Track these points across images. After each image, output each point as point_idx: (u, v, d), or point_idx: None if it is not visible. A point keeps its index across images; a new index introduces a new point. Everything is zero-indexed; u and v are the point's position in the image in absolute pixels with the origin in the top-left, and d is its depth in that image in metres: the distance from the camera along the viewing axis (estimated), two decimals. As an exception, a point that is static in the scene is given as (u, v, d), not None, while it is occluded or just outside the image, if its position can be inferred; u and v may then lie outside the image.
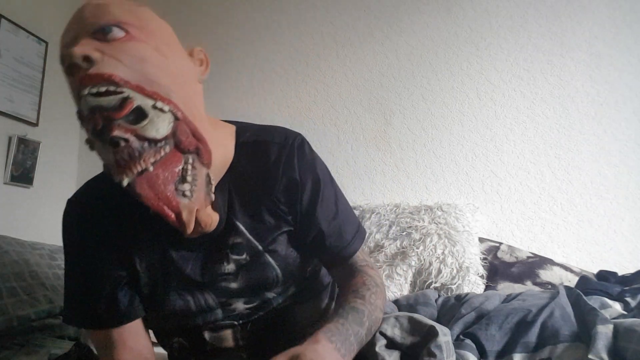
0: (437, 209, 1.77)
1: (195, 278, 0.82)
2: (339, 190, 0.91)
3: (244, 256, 0.82)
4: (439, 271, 1.61)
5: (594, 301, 1.08)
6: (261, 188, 0.82)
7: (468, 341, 0.92)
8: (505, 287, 1.56)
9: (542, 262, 1.66)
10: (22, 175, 2.05)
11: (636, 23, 1.80)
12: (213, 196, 0.74)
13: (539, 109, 1.88)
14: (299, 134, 0.88)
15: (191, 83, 0.75)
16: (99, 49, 0.66)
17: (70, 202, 0.85)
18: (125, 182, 0.66)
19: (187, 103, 0.70)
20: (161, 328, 0.92)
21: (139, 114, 0.66)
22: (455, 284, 1.58)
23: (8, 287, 1.37)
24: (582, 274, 1.56)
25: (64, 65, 0.69)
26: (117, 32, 0.68)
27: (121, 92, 0.65)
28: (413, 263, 1.65)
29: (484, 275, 1.64)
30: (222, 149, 0.81)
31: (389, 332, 0.85)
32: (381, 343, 0.84)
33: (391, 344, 0.85)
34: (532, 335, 0.93)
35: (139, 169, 0.66)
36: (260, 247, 0.82)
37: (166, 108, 0.67)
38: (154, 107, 0.66)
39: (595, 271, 1.56)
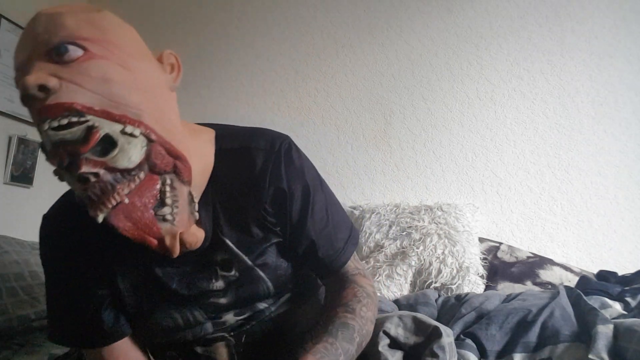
0: (437, 209, 1.77)
1: (182, 293, 0.77)
2: (328, 193, 0.86)
3: (232, 273, 0.78)
4: (439, 271, 1.61)
5: (594, 301, 1.08)
6: (247, 200, 0.76)
7: (469, 341, 0.92)
8: (505, 287, 1.56)
9: (542, 262, 1.66)
10: (22, 175, 2.05)
11: (636, 23, 1.80)
12: (197, 215, 0.69)
13: (539, 109, 1.88)
14: (286, 137, 0.80)
15: (162, 94, 0.68)
16: (55, 74, 0.59)
17: (46, 217, 0.80)
18: (100, 219, 0.61)
19: (160, 119, 0.64)
20: (151, 343, 0.87)
21: (108, 143, 0.60)
22: (455, 283, 1.58)
23: (8, 287, 1.37)
24: (582, 274, 1.56)
25: (19, 91, 0.60)
26: (74, 52, 0.60)
27: (85, 121, 0.58)
28: (413, 263, 1.65)
29: (484, 275, 1.65)
30: (202, 160, 0.74)
31: (392, 332, 0.85)
32: (384, 342, 0.83)
33: (394, 344, 0.85)
34: (533, 335, 0.93)
35: (114, 203, 0.61)
36: (249, 262, 0.78)
37: (137, 132, 0.61)
38: (124, 132, 0.60)
39: (595, 271, 1.56)
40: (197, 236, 0.71)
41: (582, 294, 1.07)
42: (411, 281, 1.66)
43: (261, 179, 0.76)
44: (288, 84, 2.20)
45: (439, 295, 1.42)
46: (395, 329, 0.85)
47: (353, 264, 0.86)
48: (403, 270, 1.65)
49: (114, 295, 0.78)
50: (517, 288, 1.52)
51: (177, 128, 0.68)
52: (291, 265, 0.82)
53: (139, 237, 0.64)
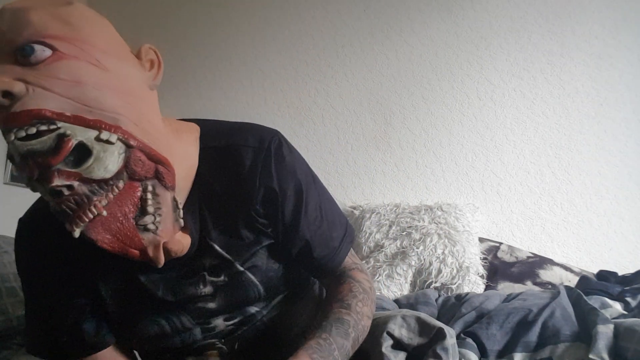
0: (437, 209, 1.77)
1: (168, 300, 0.73)
2: (321, 189, 0.81)
3: (221, 278, 0.73)
4: (439, 271, 1.62)
5: (594, 301, 1.08)
6: (236, 201, 0.71)
7: (469, 340, 0.92)
8: (506, 287, 1.56)
9: (542, 262, 1.66)
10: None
11: (636, 23, 1.80)
12: (182, 222, 0.65)
13: (539, 109, 1.88)
14: (275, 133, 0.75)
15: (141, 94, 0.62)
16: (21, 78, 0.53)
17: (22, 222, 0.75)
18: (76, 234, 0.57)
19: (139, 121, 0.59)
20: (141, 349, 0.83)
21: (82, 152, 0.55)
22: (455, 283, 1.58)
23: (8, 287, 1.37)
24: (582, 274, 1.56)
25: None
26: (41, 52, 0.55)
27: (56, 129, 0.54)
28: (413, 263, 1.65)
29: (484, 275, 1.65)
30: (186, 160, 0.69)
31: (396, 333, 0.83)
32: (387, 344, 0.82)
33: (397, 345, 0.84)
34: (533, 334, 0.93)
35: (90, 216, 0.57)
36: (238, 266, 0.73)
37: (114, 138, 0.56)
38: (99, 139, 0.55)
39: (595, 271, 1.56)
40: (182, 243, 0.66)
41: (582, 293, 1.07)
42: (411, 281, 1.66)
43: (250, 179, 0.71)
44: (288, 84, 2.20)
45: (439, 295, 1.42)
46: (399, 330, 0.83)
47: (350, 259, 0.83)
48: (403, 270, 1.65)
49: (96, 303, 0.74)
50: (517, 288, 1.53)
51: (158, 130, 0.63)
52: (283, 266, 0.78)
53: (120, 249, 0.60)
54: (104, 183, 0.57)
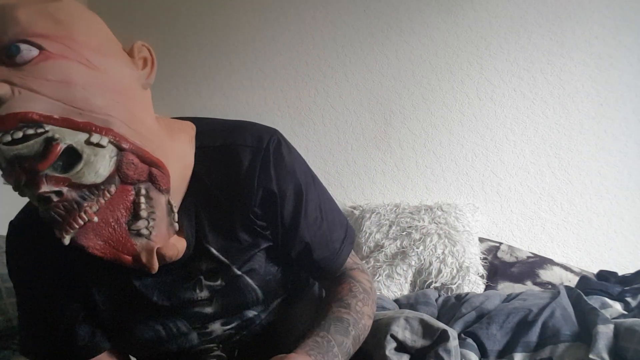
0: (437, 209, 1.77)
1: (163, 305, 0.71)
2: (321, 189, 0.79)
3: (218, 282, 0.71)
4: (439, 271, 1.62)
5: (594, 301, 1.08)
6: (233, 202, 0.69)
7: (470, 340, 0.92)
8: (506, 287, 1.56)
9: (542, 262, 1.66)
10: (22, 175, 2.04)
11: (636, 23, 1.80)
12: (177, 226, 0.63)
13: (539, 109, 1.88)
14: (274, 132, 0.73)
15: (134, 94, 0.60)
16: (6, 79, 0.51)
17: (12, 225, 0.72)
18: (66, 241, 0.55)
19: (131, 123, 0.57)
20: (136, 355, 0.81)
21: (71, 156, 0.53)
22: (455, 283, 1.58)
23: (8, 287, 1.37)
24: (582, 274, 1.56)
25: None
26: (28, 52, 0.52)
27: (43, 132, 0.51)
28: (413, 263, 1.65)
29: (484, 275, 1.65)
30: (181, 161, 0.66)
31: (399, 335, 0.83)
32: (391, 346, 0.81)
33: (401, 347, 0.83)
34: (533, 334, 0.93)
35: (81, 222, 0.55)
36: (236, 270, 0.71)
37: (105, 141, 0.54)
38: (89, 142, 0.53)
39: (595, 271, 1.56)
40: (177, 248, 0.64)
41: (582, 294, 1.07)
42: (411, 281, 1.66)
43: (249, 180, 0.68)
44: (288, 84, 2.20)
45: (439, 295, 1.42)
46: (403, 332, 0.83)
47: (351, 259, 0.81)
48: (403, 270, 1.65)
49: (89, 308, 0.72)
50: (517, 288, 1.53)
51: (151, 130, 0.60)
52: (281, 269, 0.76)
53: (112, 256, 0.58)
54: (94, 188, 0.55)
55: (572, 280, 1.52)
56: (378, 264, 1.68)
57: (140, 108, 0.60)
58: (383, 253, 1.70)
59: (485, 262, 1.69)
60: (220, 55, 2.26)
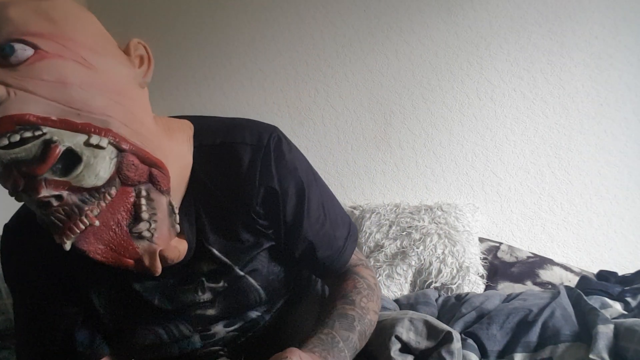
0: (437, 209, 1.77)
1: (165, 308, 0.70)
2: (323, 186, 0.78)
3: (221, 283, 0.70)
4: (439, 271, 1.61)
5: (594, 301, 1.08)
6: (234, 201, 0.67)
7: (470, 341, 0.92)
8: (506, 287, 1.56)
9: (542, 262, 1.66)
10: (22, 175, 2.04)
11: (636, 23, 1.80)
12: (178, 227, 0.62)
13: (539, 109, 1.88)
14: (274, 129, 0.72)
15: (131, 93, 0.58)
16: (1, 80, 0.49)
17: (7, 228, 0.71)
18: (67, 246, 0.54)
19: (130, 122, 0.56)
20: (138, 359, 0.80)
21: (70, 159, 0.52)
22: (455, 283, 1.58)
23: (8, 287, 1.37)
24: (582, 274, 1.56)
25: None
26: (23, 52, 0.50)
27: (41, 135, 0.50)
28: (413, 263, 1.65)
29: (484, 275, 1.65)
30: (180, 160, 0.65)
31: (404, 336, 0.82)
32: (396, 347, 0.81)
33: (405, 348, 0.83)
34: (533, 335, 0.93)
35: (82, 227, 0.53)
36: (238, 271, 0.70)
37: (104, 142, 0.53)
38: (88, 144, 0.52)
39: (595, 271, 1.56)
40: (179, 250, 0.63)
41: (582, 293, 1.07)
42: (411, 281, 1.66)
43: (250, 179, 0.67)
44: (288, 84, 2.20)
45: (439, 295, 1.42)
46: (407, 334, 0.82)
47: (355, 255, 0.80)
48: (403, 270, 1.65)
49: (88, 313, 0.70)
50: (517, 288, 1.52)
51: (150, 130, 0.59)
52: (284, 269, 0.75)
53: (114, 260, 0.57)
54: (95, 191, 0.53)
55: (572, 280, 1.52)
56: (378, 264, 1.68)
57: (139, 107, 0.59)
58: (383, 253, 1.70)
59: (485, 262, 1.69)
60: (220, 55, 2.26)
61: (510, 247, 1.77)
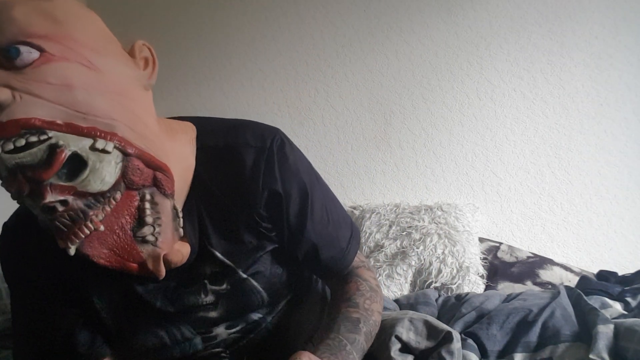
0: (437, 209, 1.77)
1: (167, 310, 0.69)
2: (325, 188, 0.78)
3: (224, 286, 0.70)
4: (439, 271, 1.61)
5: (594, 301, 1.08)
6: (237, 204, 0.67)
7: (470, 341, 0.92)
8: (505, 287, 1.56)
9: (542, 262, 1.66)
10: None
11: (636, 23, 1.80)
12: (182, 231, 0.62)
13: (539, 109, 1.88)
14: (276, 131, 0.71)
15: (136, 95, 0.58)
16: (6, 84, 0.48)
17: (6, 226, 0.70)
18: (71, 251, 0.54)
19: (135, 125, 0.55)
20: None
21: (76, 163, 0.51)
22: (455, 283, 1.58)
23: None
24: (582, 274, 1.56)
25: None
26: (28, 54, 0.49)
27: (47, 139, 0.49)
28: (413, 263, 1.65)
29: (484, 275, 1.65)
30: (182, 162, 0.65)
31: (404, 336, 0.82)
32: (396, 347, 0.81)
33: (405, 348, 0.83)
34: (533, 335, 0.93)
35: (87, 232, 0.53)
36: (241, 274, 0.70)
37: (110, 146, 0.52)
38: (94, 148, 0.51)
39: (595, 271, 1.56)
40: (182, 253, 0.62)
41: (582, 293, 1.07)
42: (411, 281, 1.66)
43: (253, 181, 0.66)
44: (288, 84, 2.20)
45: (439, 295, 1.42)
46: (407, 334, 0.82)
47: (357, 257, 0.81)
48: (403, 270, 1.65)
49: (89, 314, 0.70)
50: (517, 288, 1.52)
51: (154, 133, 0.59)
52: (286, 270, 0.75)
53: (117, 264, 0.57)
54: (100, 195, 0.53)
55: (572, 280, 1.52)
56: (378, 264, 1.68)
57: (143, 110, 0.58)
58: (383, 253, 1.70)
59: (485, 262, 1.69)
60: (220, 55, 2.26)
61: (510, 247, 1.77)
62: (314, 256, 0.74)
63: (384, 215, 1.82)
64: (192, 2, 2.37)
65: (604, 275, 1.46)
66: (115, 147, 0.53)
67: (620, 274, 1.45)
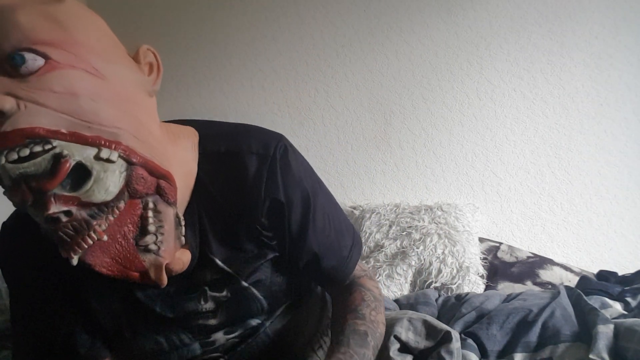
0: (437, 209, 1.77)
1: (166, 316, 0.69)
2: (327, 195, 0.77)
3: (224, 293, 0.69)
4: (439, 271, 1.61)
5: (594, 301, 1.08)
6: (239, 211, 0.66)
7: (470, 341, 0.92)
8: (505, 287, 1.56)
9: (542, 262, 1.66)
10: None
11: (636, 23, 1.80)
12: (184, 239, 0.61)
13: (539, 109, 1.88)
14: (280, 138, 0.70)
15: (141, 102, 0.57)
16: (10, 92, 0.47)
17: (5, 226, 0.69)
18: (74, 261, 0.53)
19: (139, 133, 0.54)
20: None
21: (80, 173, 0.50)
22: (455, 283, 1.58)
23: (8, 287, 1.36)
24: (582, 274, 1.56)
25: None
26: (33, 62, 0.48)
27: (51, 149, 0.48)
28: (413, 263, 1.65)
29: (484, 275, 1.65)
30: (183, 167, 0.64)
31: (403, 336, 0.82)
32: (395, 347, 0.81)
33: (404, 348, 0.83)
34: (533, 335, 0.93)
35: (90, 242, 0.52)
36: (242, 281, 0.69)
37: (114, 156, 0.51)
38: (98, 158, 0.50)
39: (595, 271, 1.56)
40: (182, 261, 0.61)
41: (582, 294, 1.07)
42: (411, 281, 1.66)
43: (255, 189, 0.65)
44: (288, 84, 2.20)
45: (439, 295, 1.42)
46: (406, 333, 0.83)
47: (358, 265, 0.80)
48: (403, 270, 1.65)
49: (88, 317, 0.69)
50: (517, 288, 1.52)
51: (158, 140, 0.58)
52: (287, 279, 0.75)
53: (120, 273, 0.56)
54: (104, 205, 0.52)
55: (572, 280, 1.52)
56: (378, 264, 1.68)
57: (147, 116, 0.57)
58: (383, 253, 1.70)
59: (485, 262, 1.69)
60: (220, 55, 2.26)
61: (510, 247, 1.77)
62: (315, 265, 0.73)
63: (384, 215, 1.82)
64: (192, 2, 2.37)
65: (604, 275, 1.46)
66: (119, 156, 0.52)
67: (620, 274, 1.45)
